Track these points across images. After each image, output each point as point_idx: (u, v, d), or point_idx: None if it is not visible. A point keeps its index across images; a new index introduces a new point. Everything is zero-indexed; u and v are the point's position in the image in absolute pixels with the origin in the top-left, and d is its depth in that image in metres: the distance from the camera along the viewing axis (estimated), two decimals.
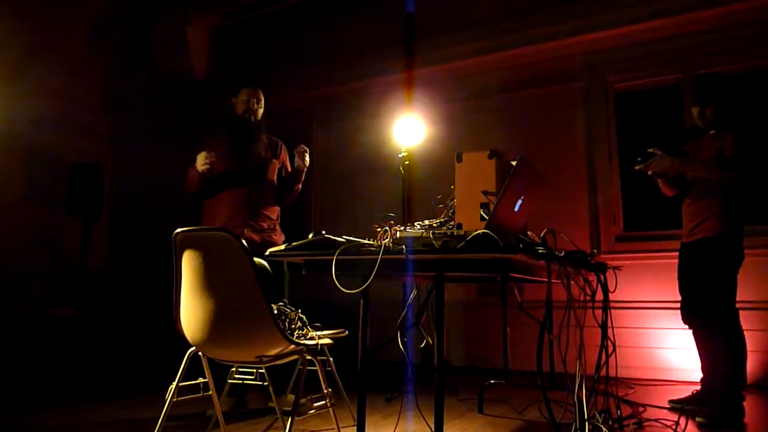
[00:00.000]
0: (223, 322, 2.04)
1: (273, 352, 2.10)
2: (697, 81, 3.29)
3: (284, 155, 3.53)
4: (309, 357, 2.16)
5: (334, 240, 2.12)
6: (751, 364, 3.17)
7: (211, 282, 2.04)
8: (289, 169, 3.51)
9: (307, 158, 3.35)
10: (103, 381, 4.40)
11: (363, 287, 2.06)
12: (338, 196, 5.90)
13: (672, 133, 3.45)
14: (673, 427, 2.74)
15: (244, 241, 1.97)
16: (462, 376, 4.43)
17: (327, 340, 2.32)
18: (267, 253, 2.23)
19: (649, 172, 3.16)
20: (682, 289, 3.19)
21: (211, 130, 3.54)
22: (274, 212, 3.42)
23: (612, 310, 2.75)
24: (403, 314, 2.80)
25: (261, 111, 3.41)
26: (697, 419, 2.91)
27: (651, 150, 3.11)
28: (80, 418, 3.16)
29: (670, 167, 3.08)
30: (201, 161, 3.15)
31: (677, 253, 3.25)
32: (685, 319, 3.17)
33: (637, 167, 3.16)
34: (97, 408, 3.40)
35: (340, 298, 2.25)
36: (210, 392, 2.32)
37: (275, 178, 3.42)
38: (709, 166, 3.04)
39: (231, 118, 3.40)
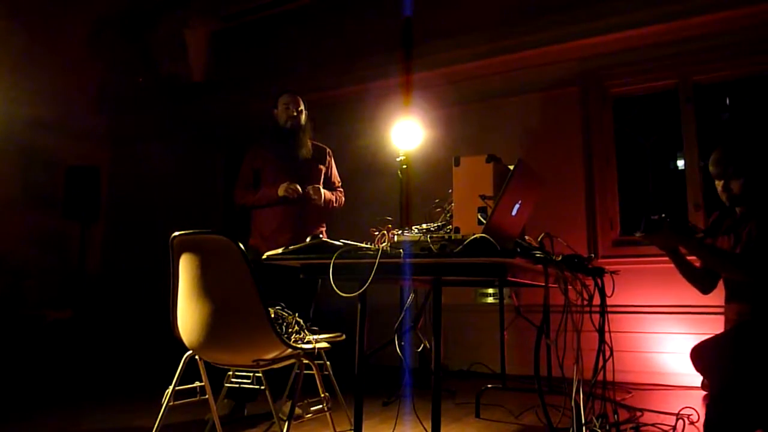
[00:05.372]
0: (219, 325, 2.04)
1: (270, 355, 2.09)
2: (722, 150, 2.48)
3: (330, 161, 3.55)
4: (306, 361, 2.16)
5: (332, 244, 2.11)
6: None
7: (208, 285, 2.04)
8: (336, 176, 3.56)
9: (318, 195, 3.32)
10: (99, 384, 4.38)
11: (360, 291, 2.06)
12: None
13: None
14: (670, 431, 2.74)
15: (241, 245, 1.97)
16: (459, 380, 4.42)
17: (324, 344, 2.32)
18: (264, 257, 2.23)
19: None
20: None
21: (256, 139, 3.53)
22: (322, 218, 3.45)
23: (609, 315, 2.75)
24: (400, 318, 2.79)
25: (303, 116, 3.41)
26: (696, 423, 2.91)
27: (656, 218, 2.52)
28: (76, 422, 3.15)
29: (675, 245, 2.55)
30: (288, 190, 3.19)
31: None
32: None
33: (637, 234, 2.56)
34: (94, 412, 3.38)
35: (337, 302, 2.25)
36: (207, 396, 2.31)
37: (321, 183, 3.42)
38: (714, 258, 2.43)
39: (274, 128, 3.42)
